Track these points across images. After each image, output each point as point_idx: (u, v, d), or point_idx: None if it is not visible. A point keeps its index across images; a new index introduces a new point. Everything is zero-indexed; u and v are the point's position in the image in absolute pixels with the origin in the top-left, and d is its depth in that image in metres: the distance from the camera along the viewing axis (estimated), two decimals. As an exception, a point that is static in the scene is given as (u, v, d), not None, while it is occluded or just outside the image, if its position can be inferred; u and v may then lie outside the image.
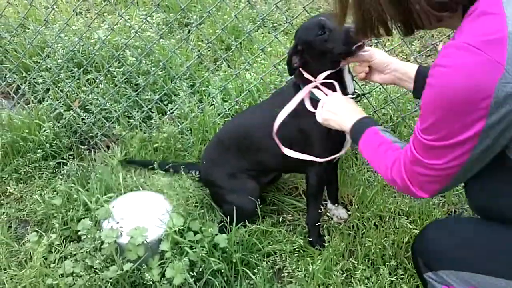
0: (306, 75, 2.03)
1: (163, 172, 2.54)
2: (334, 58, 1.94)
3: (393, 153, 1.55)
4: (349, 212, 2.43)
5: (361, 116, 1.77)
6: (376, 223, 2.34)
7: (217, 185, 2.41)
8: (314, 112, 1.96)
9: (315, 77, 2.00)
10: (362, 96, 2.27)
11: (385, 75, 1.95)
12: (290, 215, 2.52)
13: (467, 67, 1.18)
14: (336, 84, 1.99)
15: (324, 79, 1.98)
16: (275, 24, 3.85)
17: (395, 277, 2.10)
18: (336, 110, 1.86)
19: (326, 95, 1.97)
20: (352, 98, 2.01)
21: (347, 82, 2.05)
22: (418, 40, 3.66)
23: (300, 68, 2.05)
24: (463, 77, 1.18)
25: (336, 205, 2.48)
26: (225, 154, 2.37)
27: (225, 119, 2.85)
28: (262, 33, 3.70)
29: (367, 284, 2.08)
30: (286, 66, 2.08)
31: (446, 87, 1.22)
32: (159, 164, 2.56)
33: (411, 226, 2.26)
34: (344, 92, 2.02)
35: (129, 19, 3.75)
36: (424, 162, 1.38)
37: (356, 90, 2.13)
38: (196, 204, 2.46)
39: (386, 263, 2.16)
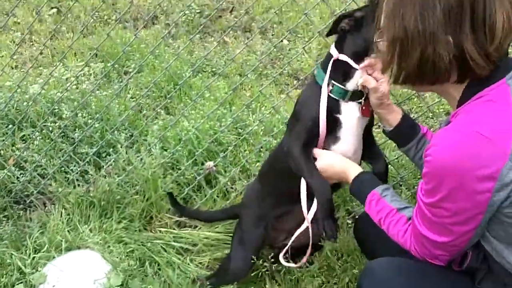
0: (333, 49, 1.88)
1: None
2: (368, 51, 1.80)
3: (402, 228, 1.59)
4: None
5: (358, 172, 1.78)
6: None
7: (239, 225, 2.33)
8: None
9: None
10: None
11: (374, 100, 1.85)
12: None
13: (477, 154, 1.28)
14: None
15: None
16: (213, 69, 3.88)
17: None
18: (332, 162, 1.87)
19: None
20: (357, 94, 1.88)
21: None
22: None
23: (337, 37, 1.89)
24: (472, 160, 1.28)
25: None
26: (259, 190, 2.25)
27: (165, 170, 2.82)
28: (201, 78, 3.72)
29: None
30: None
31: (453, 167, 1.31)
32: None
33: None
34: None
35: (65, 71, 3.71)
36: (432, 239, 1.46)
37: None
38: (137, 260, 2.40)
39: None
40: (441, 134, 1.36)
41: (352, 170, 1.80)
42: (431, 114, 3.17)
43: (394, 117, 1.86)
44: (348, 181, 1.81)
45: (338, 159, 1.86)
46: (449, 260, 1.52)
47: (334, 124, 1.89)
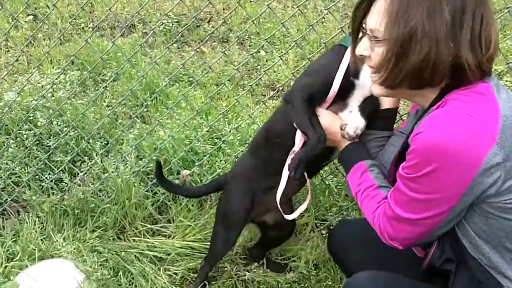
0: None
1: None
2: None
3: (375, 205, 1.58)
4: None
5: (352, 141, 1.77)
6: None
7: (224, 195, 2.26)
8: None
9: None
10: None
11: None
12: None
13: (466, 137, 1.30)
14: None
15: None
16: (190, 79, 3.90)
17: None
18: (331, 121, 1.82)
19: None
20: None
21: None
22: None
23: None
24: (460, 142, 1.30)
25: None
26: (250, 163, 2.16)
27: (141, 179, 2.82)
28: (178, 88, 3.73)
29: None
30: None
31: (447, 148, 1.31)
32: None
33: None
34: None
35: (41, 79, 3.69)
36: (404, 217, 1.45)
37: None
38: (111, 269, 2.40)
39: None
40: (434, 116, 1.37)
41: None
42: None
43: (394, 101, 1.81)
44: (340, 146, 1.79)
45: (337, 120, 1.82)
46: (409, 245, 1.51)
47: (347, 88, 1.81)
